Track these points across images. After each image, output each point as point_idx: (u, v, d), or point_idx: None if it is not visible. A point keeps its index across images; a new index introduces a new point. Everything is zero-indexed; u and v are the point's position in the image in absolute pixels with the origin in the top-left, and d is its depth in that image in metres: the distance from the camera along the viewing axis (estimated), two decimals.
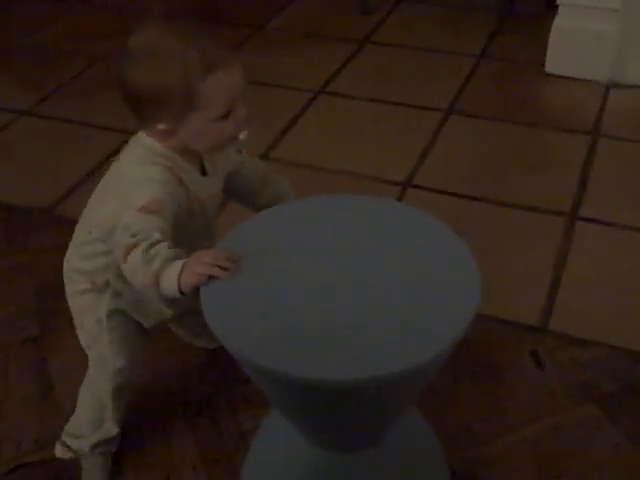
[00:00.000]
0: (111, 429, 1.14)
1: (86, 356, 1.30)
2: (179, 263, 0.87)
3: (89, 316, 1.12)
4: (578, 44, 2.04)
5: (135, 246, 0.89)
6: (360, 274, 0.82)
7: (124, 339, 1.11)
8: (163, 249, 0.88)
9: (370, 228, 0.90)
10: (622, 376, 1.26)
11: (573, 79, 2.08)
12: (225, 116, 0.99)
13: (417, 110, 2.01)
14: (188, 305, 1.05)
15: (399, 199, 1.68)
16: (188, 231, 1.01)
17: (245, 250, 0.86)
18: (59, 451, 1.16)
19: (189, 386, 1.28)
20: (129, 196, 0.94)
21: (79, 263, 1.11)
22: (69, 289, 1.15)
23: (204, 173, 1.04)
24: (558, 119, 1.95)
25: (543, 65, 2.12)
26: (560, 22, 2.06)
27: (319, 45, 2.36)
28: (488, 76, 2.15)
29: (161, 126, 0.97)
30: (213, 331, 0.76)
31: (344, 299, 0.79)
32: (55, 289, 1.46)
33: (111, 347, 1.11)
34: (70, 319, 1.38)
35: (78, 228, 1.11)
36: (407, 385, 0.79)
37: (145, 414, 1.22)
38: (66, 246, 1.57)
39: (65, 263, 1.15)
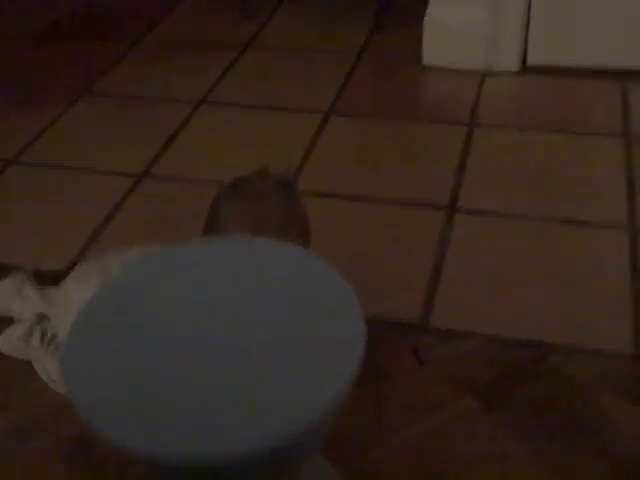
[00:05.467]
0: None
1: None
2: None
3: None
4: (451, 34, 2.07)
5: None
6: (230, 331, 0.76)
7: None
8: None
9: (246, 276, 0.84)
10: (497, 365, 1.28)
11: (450, 70, 2.10)
12: None
13: (298, 113, 2.01)
14: None
15: None
16: None
17: (113, 304, 0.82)
18: None
19: (61, 421, 1.24)
20: None
21: None
22: None
23: None
24: (436, 112, 1.97)
25: (421, 58, 2.15)
26: (432, 13, 2.08)
27: (201, 53, 2.33)
28: (368, 73, 2.17)
29: None
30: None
31: (212, 364, 0.73)
32: None
33: None
34: None
35: None
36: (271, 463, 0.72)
37: (18, 458, 1.19)
38: None
39: None
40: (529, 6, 2.02)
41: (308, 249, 1.18)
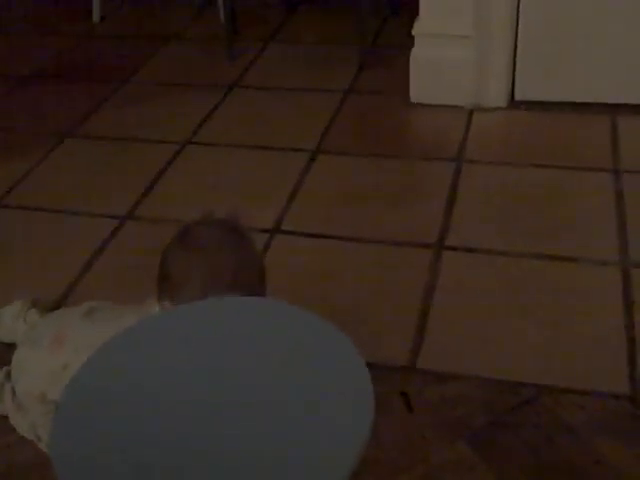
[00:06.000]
0: None
1: None
2: None
3: None
4: (437, 72, 2.05)
5: None
6: (235, 402, 0.74)
7: None
8: None
9: (257, 343, 0.80)
10: (491, 409, 1.23)
11: (438, 107, 2.09)
12: None
13: (285, 153, 1.98)
14: None
15: (266, 246, 1.64)
16: None
17: (109, 374, 0.78)
18: None
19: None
20: None
21: None
22: None
23: None
24: (424, 148, 1.95)
25: (409, 95, 2.13)
26: (417, 52, 2.07)
27: (187, 94, 2.32)
28: (355, 111, 2.15)
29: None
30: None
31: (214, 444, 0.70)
32: None
33: None
34: None
35: None
36: None
37: None
38: None
39: None
40: (516, 42, 2.01)
41: (265, 291, 1.13)
